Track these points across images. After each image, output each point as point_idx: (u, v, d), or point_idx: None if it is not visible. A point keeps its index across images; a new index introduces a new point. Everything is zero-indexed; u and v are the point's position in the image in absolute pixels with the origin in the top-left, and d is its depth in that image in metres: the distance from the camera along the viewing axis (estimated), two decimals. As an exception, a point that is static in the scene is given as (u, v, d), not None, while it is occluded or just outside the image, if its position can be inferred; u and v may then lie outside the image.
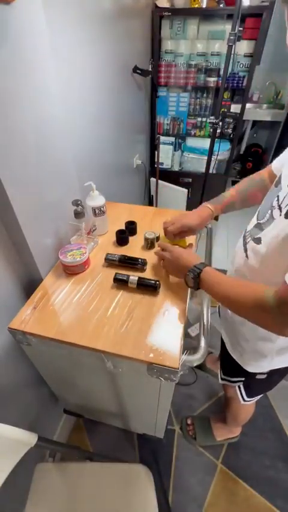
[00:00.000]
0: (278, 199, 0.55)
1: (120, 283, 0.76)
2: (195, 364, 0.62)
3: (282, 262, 0.52)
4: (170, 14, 1.72)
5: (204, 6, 1.74)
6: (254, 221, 0.66)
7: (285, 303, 0.45)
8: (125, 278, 0.76)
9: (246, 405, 0.97)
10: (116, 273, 0.77)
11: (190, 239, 0.92)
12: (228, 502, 1.09)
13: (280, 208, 0.54)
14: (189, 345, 0.65)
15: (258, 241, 0.61)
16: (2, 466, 0.59)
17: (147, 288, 0.75)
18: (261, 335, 0.67)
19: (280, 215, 0.53)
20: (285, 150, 0.65)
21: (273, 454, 1.21)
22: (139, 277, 0.76)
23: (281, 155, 0.69)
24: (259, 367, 0.74)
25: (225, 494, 1.11)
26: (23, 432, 0.59)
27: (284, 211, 0.52)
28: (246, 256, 0.64)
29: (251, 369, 0.75)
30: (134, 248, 0.93)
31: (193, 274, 0.63)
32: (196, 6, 1.72)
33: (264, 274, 0.60)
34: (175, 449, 1.22)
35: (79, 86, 0.95)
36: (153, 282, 0.75)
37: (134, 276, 0.76)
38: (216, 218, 0.86)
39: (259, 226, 0.62)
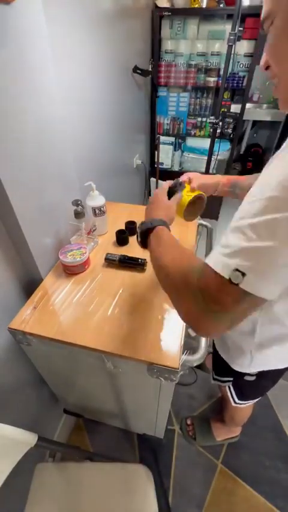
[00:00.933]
0: None
1: (110, 262, 0.82)
2: (195, 364, 0.62)
3: None
4: (170, 14, 1.72)
5: (204, 6, 1.74)
6: None
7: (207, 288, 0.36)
8: (115, 258, 0.82)
9: (241, 407, 0.96)
10: (107, 253, 0.83)
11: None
12: (228, 502, 1.09)
13: None
14: (189, 345, 0.65)
15: None
16: (2, 466, 0.59)
17: (133, 265, 0.80)
18: (241, 329, 0.66)
19: None
20: None
21: (273, 454, 1.20)
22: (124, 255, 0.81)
23: None
24: (243, 365, 0.73)
25: (225, 494, 1.11)
26: (23, 432, 0.59)
27: None
28: None
29: (237, 367, 0.75)
30: (134, 248, 0.93)
31: (140, 230, 0.54)
32: (196, 6, 1.72)
33: None
34: (175, 449, 1.22)
35: (79, 86, 0.95)
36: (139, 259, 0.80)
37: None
38: (216, 218, 0.86)
39: None
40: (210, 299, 0.35)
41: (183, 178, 0.73)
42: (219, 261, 0.35)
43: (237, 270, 0.32)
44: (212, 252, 0.37)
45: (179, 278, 0.41)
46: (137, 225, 0.56)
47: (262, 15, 0.41)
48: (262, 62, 0.45)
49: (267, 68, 0.44)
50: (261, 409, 1.32)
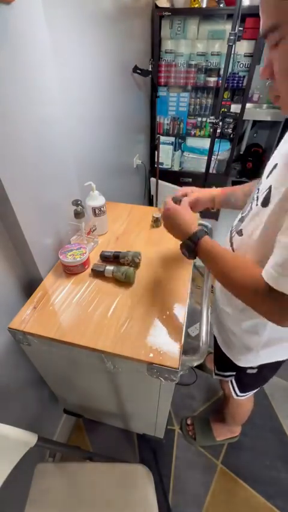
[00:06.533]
0: (257, 191, 0.58)
1: (98, 273, 0.80)
2: (195, 364, 0.63)
3: (262, 250, 0.53)
4: (170, 14, 1.72)
5: (204, 6, 1.74)
6: (238, 216, 0.68)
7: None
8: (101, 269, 0.80)
9: (242, 402, 0.98)
10: (93, 264, 0.82)
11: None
12: (228, 502, 1.09)
13: (257, 199, 0.56)
14: (189, 345, 0.65)
15: (240, 233, 0.63)
16: (2, 466, 0.59)
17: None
18: (246, 328, 0.67)
19: (257, 205, 0.56)
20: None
21: (273, 454, 1.20)
22: (114, 267, 0.79)
23: None
24: (247, 361, 0.74)
25: (225, 494, 1.11)
26: (23, 432, 0.59)
27: (260, 200, 0.54)
28: (232, 249, 0.66)
29: (240, 363, 0.76)
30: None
31: (189, 247, 0.61)
32: (196, 6, 1.72)
33: None
34: (175, 449, 1.22)
35: (79, 86, 0.95)
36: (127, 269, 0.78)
37: (110, 267, 0.80)
38: (216, 218, 0.87)
39: (241, 219, 0.64)
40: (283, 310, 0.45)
41: (180, 193, 0.79)
42: (281, 283, 0.42)
43: None
44: (271, 268, 0.44)
45: (251, 291, 0.49)
46: (181, 243, 0.64)
47: (265, 27, 0.39)
48: (264, 71, 0.44)
49: (268, 77, 0.44)
50: (261, 409, 1.32)
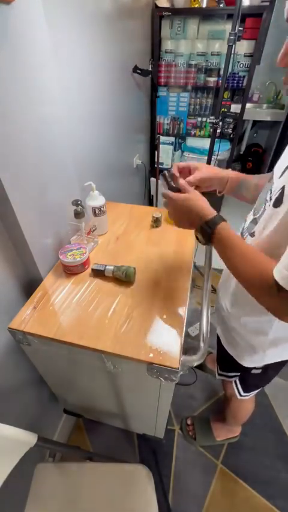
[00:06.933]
0: (270, 193, 0.57)
1: (98, 273, 0.80)
2: (195, 364, 0.62)
3: (271, 251, 0.52)
4: (170, 14, 1.72)
5: (204, 6, 1.75)
6: (250, 217, 0.67)
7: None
8: (102, 268, 0.79)
9: (244, 402, 0.97)
10: (94, 264, 0.82)
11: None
12: (228, 502, 1.09)
13: (271, 200, 0.55)
14: (189, 345, 0.65)
15: (252, 235, 0.62)
16: (2, 466, 0.59)
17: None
18: (252, 328, 0.67)
19: (269, 206, 0.54)
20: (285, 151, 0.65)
21: (273, 454, 1.20)
22: (115, 266, 0.79)
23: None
24: (252, 361, 0.74)
25: (225, 494, 1.11)
26: (23, 432, 0.59)
27: (272, 201, 0.53)
28: None
29: (245, 363, 0.76)
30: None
31: (205, 233, 0.57)
32: (196, 6, 1.73)
33: None
34: (175, 449, 1.22)
35: (79, 86, 0.95)
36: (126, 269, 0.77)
37: (110, 266, 0.79)
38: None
39: (254, 221, 0.63)
40: None
41: (181, 166, 0.69)
42: None
43: None
44: (284, 268, 0.43)
45: (258, 286, 0.48)
46: (198, 228, 0.59)
47: None
48: (282, 58, 0.44)
49: (286, 65, 0.44)
50: (261, 409, 1.32)
